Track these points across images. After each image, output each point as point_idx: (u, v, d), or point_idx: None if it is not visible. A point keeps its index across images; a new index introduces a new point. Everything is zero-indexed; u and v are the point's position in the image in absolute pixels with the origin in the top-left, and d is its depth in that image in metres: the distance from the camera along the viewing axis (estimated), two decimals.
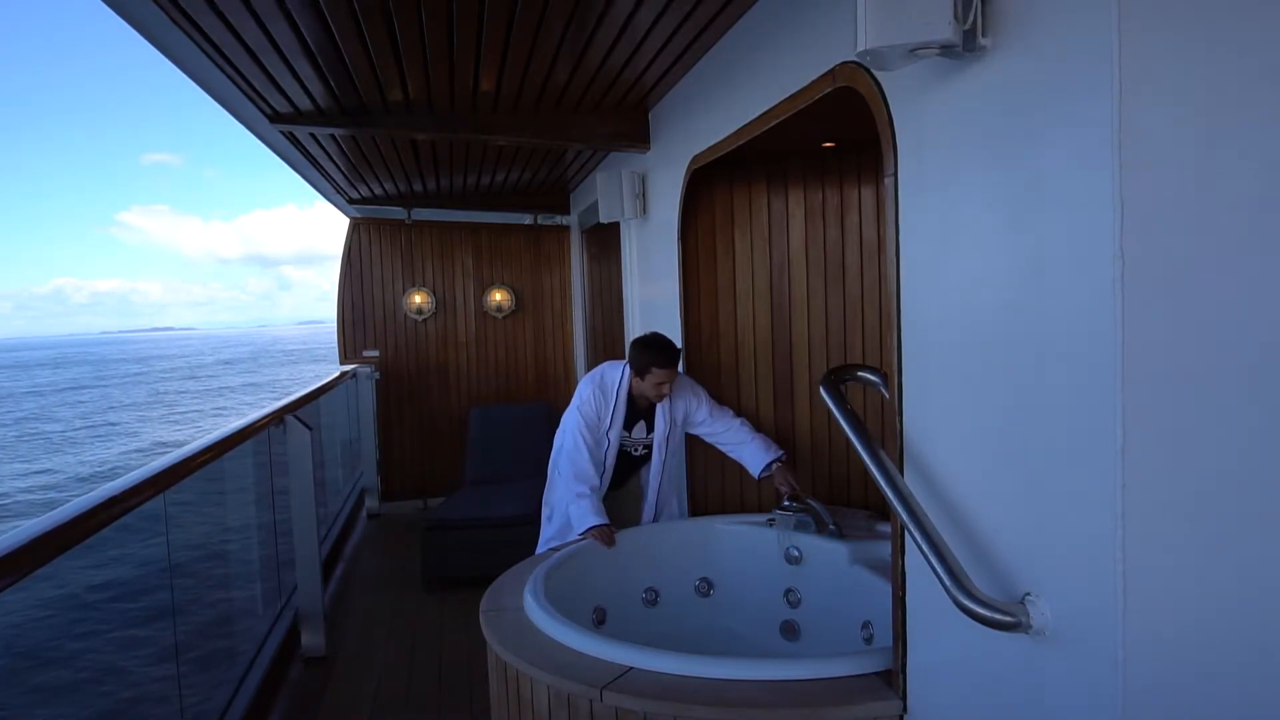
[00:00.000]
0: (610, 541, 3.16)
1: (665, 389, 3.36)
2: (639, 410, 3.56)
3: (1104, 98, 1.26)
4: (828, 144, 3.41)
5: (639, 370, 3.37)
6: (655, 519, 3.64)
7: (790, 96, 2.47)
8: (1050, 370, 1.42)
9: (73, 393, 44.64)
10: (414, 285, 7.17)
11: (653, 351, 3.33)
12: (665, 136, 3.96)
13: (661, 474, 3.62)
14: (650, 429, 3.58)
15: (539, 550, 3.52)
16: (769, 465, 3.41)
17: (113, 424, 30.75)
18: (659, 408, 3.52)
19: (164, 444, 24.15)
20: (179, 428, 29.06)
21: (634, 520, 3.65)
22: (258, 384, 46.09)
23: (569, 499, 3.33)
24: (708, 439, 3.58)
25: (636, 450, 3.64)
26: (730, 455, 3.55)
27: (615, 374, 3.51)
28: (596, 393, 3.47)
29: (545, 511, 3.70)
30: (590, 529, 3.18)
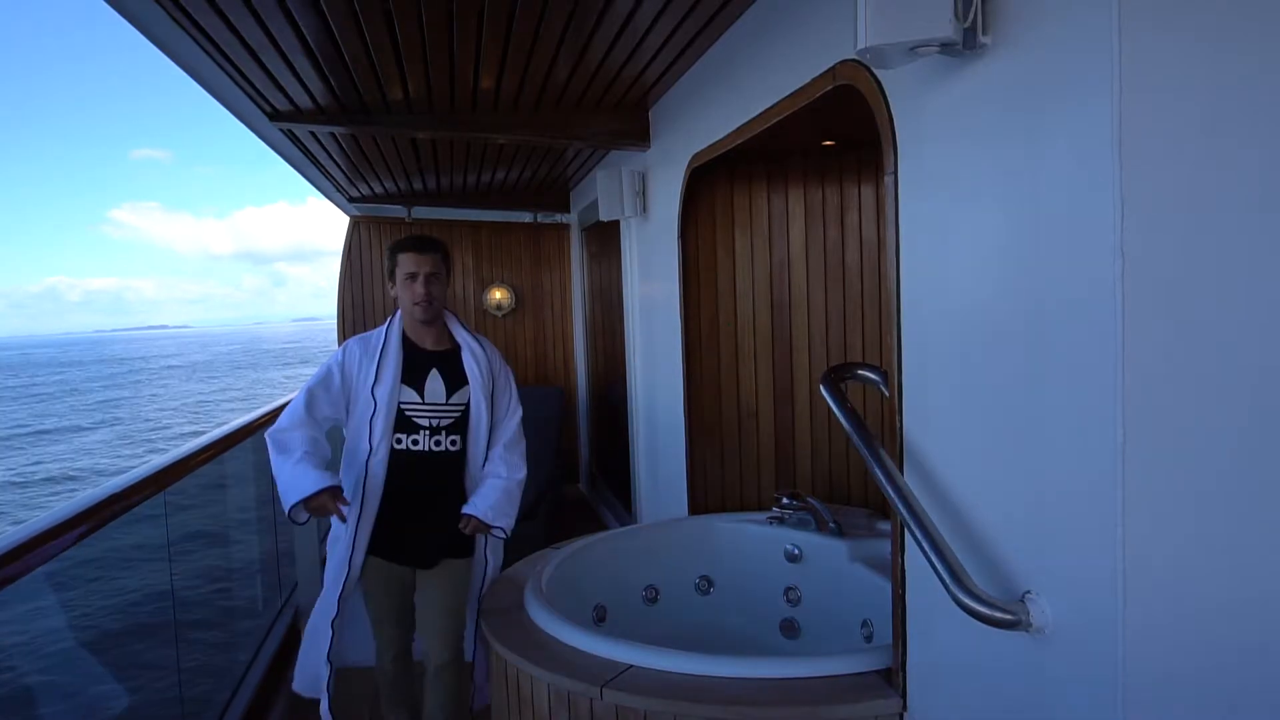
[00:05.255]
0: (338, 511, 2.37)
1: (420, 288, 2.53)
2: (426, 356, 2.61)
3: (1105, 95, 1.26)
4: (828, 142, 3.41)
5: (390, 275, 2.60)
6: (483, 586, 2.75)
7: (790, 95, 2.47)
8: (1051, 368, 1.42)
9: None
10: None
11: (398, 243, 2.61)
12: (665, 135, 3.96)
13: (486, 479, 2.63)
14: (458, 382, 2.60)
15: (318, 613, 2.65)
16: (470, 513, 2.58)
17: None
18: (465, 352, 2.63)
19: None
20: None
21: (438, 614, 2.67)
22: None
23: (279, 474, 2.43)
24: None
25: (439, 432, 2.57)
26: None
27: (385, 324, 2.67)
28: (356, 344, 2.60)
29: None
30: (312, 495, 2.34)
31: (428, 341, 2.62)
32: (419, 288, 2.53)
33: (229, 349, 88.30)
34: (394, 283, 2.57)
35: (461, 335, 2.66)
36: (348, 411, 2.56)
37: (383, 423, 2.49)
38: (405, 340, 2.59)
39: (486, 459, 2.64)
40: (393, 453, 2.51)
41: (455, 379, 2.60)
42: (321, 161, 5.07)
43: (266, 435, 2.46)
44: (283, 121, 3.86)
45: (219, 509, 3.50)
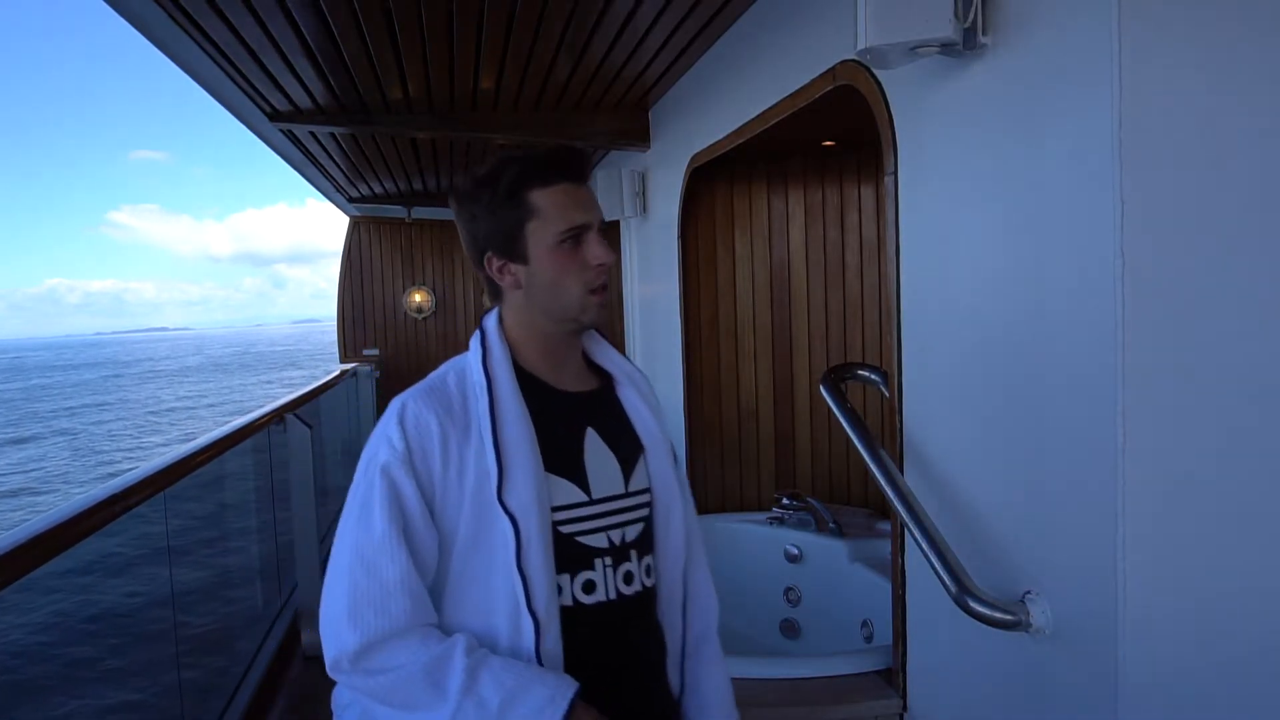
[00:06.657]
0: None
1: (600, 250, 1.20)
2: (570, 405, 1.22)
3: (1104, 96, 1.26)
4: (828, 142, 3.41)
5: (507, 244, 1.17)
6: None
7: (790, 95, 2.47)
8: (1050, 368, 1.42)
9: None
10: (414, 284, 7.18)
11: (517, 168, 1.17)
12: (665, 135, 3.96)
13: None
14: (632, 448, 1.24)
15: None
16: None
17: None
18: (626, 388, 1.29)
19: None
20: None
21: None
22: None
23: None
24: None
25: (626, 556, 1.19)
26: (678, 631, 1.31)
27: (469, 355, 1.20)
28: (425, 408, 1.11)
29: None
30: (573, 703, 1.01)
31: (567, 375, 1.25)
32: (599, 249, 1.20)
33: (223, 352, 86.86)
34: (509, 256, 1.18)
35: (610, 357, 1.33)
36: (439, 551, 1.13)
37: (541, 561, 1.09)
38: (526, 379, 1.19)
39: (685, 589, 1.29)
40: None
41: (627, 442, 1.24)
42: (321, 162, 5.07)
43: (340, 674, 1.06)
44: (283, 122, 3.87)
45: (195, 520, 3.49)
